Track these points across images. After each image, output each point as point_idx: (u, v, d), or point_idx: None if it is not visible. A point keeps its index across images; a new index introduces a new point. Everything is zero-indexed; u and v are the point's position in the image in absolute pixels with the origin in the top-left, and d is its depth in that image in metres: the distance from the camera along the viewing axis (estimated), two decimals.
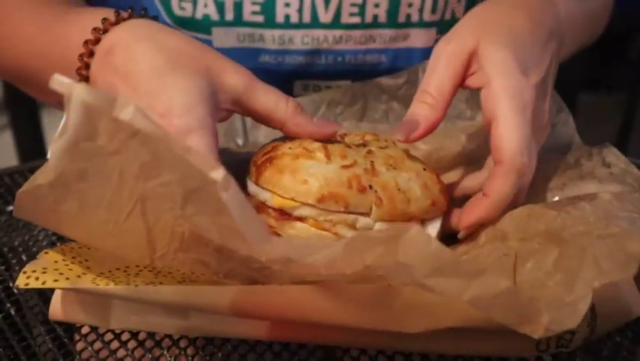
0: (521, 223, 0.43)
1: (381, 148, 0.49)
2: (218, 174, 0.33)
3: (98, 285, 0.40)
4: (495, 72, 0.45)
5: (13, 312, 0.46)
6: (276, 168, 0.46)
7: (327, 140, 0.48)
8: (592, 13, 0.67)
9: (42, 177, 0.37)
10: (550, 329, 0.33)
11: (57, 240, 0.53)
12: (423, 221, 0.47)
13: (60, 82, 0.33)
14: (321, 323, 0.39)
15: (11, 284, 0.47)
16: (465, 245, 0.46)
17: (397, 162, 0.47)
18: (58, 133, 0.36)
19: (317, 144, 0.47)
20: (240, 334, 0.42)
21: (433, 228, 0.47)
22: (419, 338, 0.40)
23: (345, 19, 0.64)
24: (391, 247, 0.33)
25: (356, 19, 0.64)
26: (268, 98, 0.46)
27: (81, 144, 0.35)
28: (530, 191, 0.50)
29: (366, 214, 0.45)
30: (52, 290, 0.44)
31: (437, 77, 0.47)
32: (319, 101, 0.64)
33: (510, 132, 0.44)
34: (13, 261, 0.50)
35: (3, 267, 0.50)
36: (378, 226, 0.45)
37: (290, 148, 0.47)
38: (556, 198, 0.49)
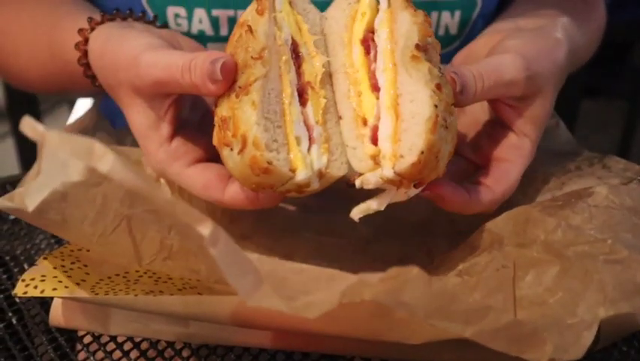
0: (518, 228, 0.43)
1: None
2: (206, 228, 0.31)
3: (97, 294, 0.40)
4: (530, 124, 0.47)
5: (14, 321, 0.46)
6: None
7: None
8: (589, 42, 0.67)
9: (19, 200, 0.37)
10: (555, 358, 0.33)
11: (56, 244, 0.53)
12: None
13: (31, 128, 0.33)
14: (323, 333, 0.39)
15: (13, 293, 0.47)
16: (461, 251, 0.45)
17: None
18: (32, 173, 0.36)
19: None
20: (243, 342, 0.42)
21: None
22: (421, 348, 0.40)
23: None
24: (393, 286, 0.32)
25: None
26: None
27: (54, 188, 0.35)
28: (529, 192, 0.50)
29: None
30: (52, 297, 0.44)
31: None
32: None
33: (512, 178, 0.46)
34: (15, 269, 0.50)
35: (5, 276, 0.50)
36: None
37: None
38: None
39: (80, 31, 0.50)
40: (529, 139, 0.47)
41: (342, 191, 0.56)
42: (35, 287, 0.40)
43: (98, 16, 0.50)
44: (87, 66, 0.50)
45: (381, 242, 0.53)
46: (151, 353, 0.43)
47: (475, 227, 0.47)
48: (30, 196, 0.35)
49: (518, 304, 0.39)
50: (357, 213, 0.42)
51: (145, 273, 0.43)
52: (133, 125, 0.46)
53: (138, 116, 0.45)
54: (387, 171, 0.40)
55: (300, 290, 0.34)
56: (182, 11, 0.57)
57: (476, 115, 0.51)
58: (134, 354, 0.43)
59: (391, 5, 0.44)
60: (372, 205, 0.42)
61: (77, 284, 0.41)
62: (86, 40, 0.49)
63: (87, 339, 0.44)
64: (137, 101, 0.44)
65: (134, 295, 0.40)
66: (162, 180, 0.54)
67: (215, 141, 0.42)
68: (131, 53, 0.44)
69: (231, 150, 0.40)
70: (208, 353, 0.43)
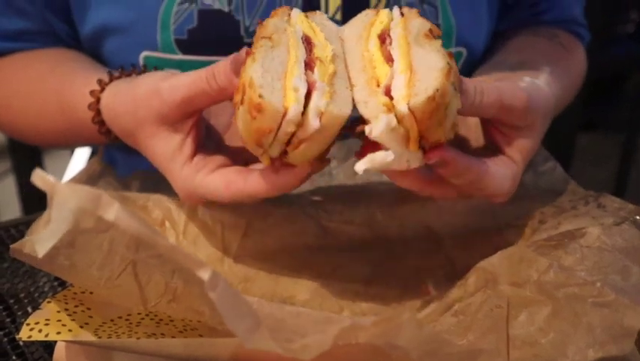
0: (513, 267, 0.44)
1: None
2: (205, 273, 0.33)
3: (100, 337, 0.41)
4: (519, 153, 0.49)
5: None
6: None
7: None
8: (571, 88, 0.70)
9: (29, 248, 0.38)
10: None
11: (59, 285, 0.54)
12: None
13: (42, 179, 0.34)
14: None
15: (16, 335, 0.48)
16: (457, 290, 0.46)
17: None
18: (43, 221, 0.38)
19: None
20: None
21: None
22: None
23: None
24: (385, 329, 0.33)
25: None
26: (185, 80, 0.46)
27: (65, 233, 0.36)
28: (526, 233, 0.51)
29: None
30: (56, 341, 0.44)
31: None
32: None
33: (501, 185, 0.48)
34: (19, 313, 0.51)
35: (8, 319, 0.50)
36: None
37: None
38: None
39: (92, 92, 0.53)
40: (517, 165, 0.49)
41: (344, 232, 0.58)
42: (40, 331, 0.41)
43: (105, 77, 0.54)
44: (101, 123, 0.54)
45: (380, 283, 0.54)
46: None
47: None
48: (40, 243, 0.36)
49: (511, 343, 0.40)
50: (361, 165, 0.42)
51: (147, 315, 0.44)
52: (157, 154, 0.48)
53: (162, 143, 0.47)
54: (401, 105, 0.40)
55: (296, 333, 0.35)
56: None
57: (472, 125, 0.53)
58: None
59: (404, 15, 0.46)
60: (376, 158, 0.41)
61: (81, 327, 0.41)
62: (98, 100, 0.53)
63: None
64: (161, 130, 0.47)
65: (136, 338, 0.40)
66: (167, 224, 0.56)
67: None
68: (148, 87, 0.47)
69: (239, 109, 0.41)
70: None
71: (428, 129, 0.41)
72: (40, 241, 0.36)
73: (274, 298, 0.52)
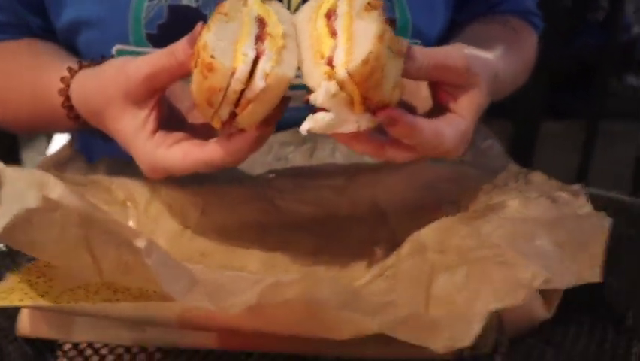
0: (440, 236, 0.48)
1: None
2: (142, 242, 0.38)
3: (58, 303, 0.44)
4: (467, 108, 0.52)
5: None
6: None
7: None
8: (519, 65, 0.74)
9: None
10: (449, 344, 0.39)
11: None
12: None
13: None
14: (260, 333, 0.44)
15: None
16: (391, 259, 0.51)
17: None
18: None
19: None
20: (191, 344, 0.47)
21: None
22: (350, 345, 0.44)
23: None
24: (308, 285, 0.37)
25: (299, 80, 0.69)
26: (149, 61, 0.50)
27: (13, 215, 0.39)
28: (462, 207, 0.55)
29: None
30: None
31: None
32: (272, 142, 0.68)
33: (453, 140, 0.51)
34: None
35: None
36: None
37: None
38: None
39: (62, 79, 0.57)
40: (465, 120, 0.52)
41: (295, 210, 0.62)
42: (4, 299, 0.44)
43: (75, 65, 0.58)
44: (70, 108, 0.57)
45: (328, 253, 0.58)
46: (110, 358, 0.47)
47: None
48: None
49: (431, 302, 0.44)
50: (305, 126, 0.46)
51: (103, 285, 0.47)
52: (123, 132, 0.52)
53: (127, 120, 0.51)
54: (340, 71, 0.44)
55: (231, 293, 0.39)
56: None
57: (419, 100, 0.56)
58: (95, 358, 0.47)
59: None
60: (323, 119, 0.45)
61: (41, 296, 0.45)
62: (68, 86, 0.57)
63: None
64: (127, 108, 0.51)
65: (92, 303, 0.44)
66: (129, 204, 0.59)
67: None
68: (115, 68, 0.51)
69: (193, 73, 0.45)
70: (161, 356, 0.47)
71: (368, 91, 0.44)
72: None
73: (228, 269, 0.56)
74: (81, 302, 0.44)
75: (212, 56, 0.43)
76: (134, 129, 0.51)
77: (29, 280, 0.47)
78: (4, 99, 0.69)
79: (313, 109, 0.47)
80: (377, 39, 0.43)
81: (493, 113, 0.68)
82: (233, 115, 0.47)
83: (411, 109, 0.55)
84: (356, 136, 0.48)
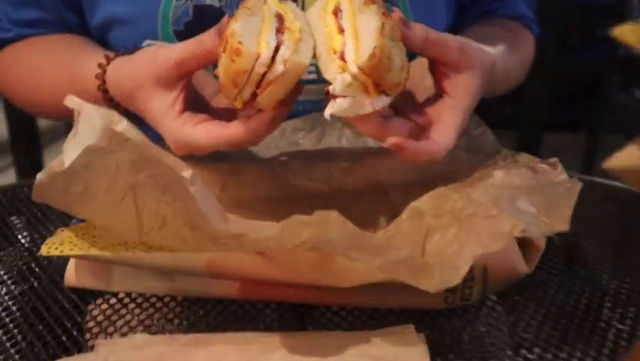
0: (435, 203, 0.55)
1: None
2: (187, 172, 0.45)
3: (103, 254, 0.51)
4: (463, 92, 0.58)
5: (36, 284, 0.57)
6: None
7: None
8: (517, 66, 0.81)
9: (57, 165, 0.49)
10: (441, 285, 0.45)
11: None
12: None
13: (73, 101, 0.46)
14: (277, 281, 0.51)
15: (39, 253, 0.56)
16: (392, 224, 0.57)
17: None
18: (71, 135, 0.48)
19: None
20: (215, 294, 0.54)
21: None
22: (353, 294, 0.51)
23: (304, 75, 0.76)
24: (320, 227, 0.44)
25: (313, 76, 0.76)
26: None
27: (87, 145, 0.47)
28: (455, 181, 0.61)
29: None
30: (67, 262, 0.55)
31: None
32: (285, 127, 0.76)
33: (450, 133, 0.57)
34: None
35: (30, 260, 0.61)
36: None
37: None
38: None
39: (100, 65, 0.63)
40: (462, 103, 0.57)
41: (306, 187, 0.69)
42: (56, 249, 0.52)
43: (112, 54, 0.64)
44: (105, 91, 0.63)
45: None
46: (145, 305, 0.54)
47: None
48: (68, 154, 0.47)
49: (427, 255, 0.50)
50: (327, 111, 0.52)
51: (140, 243, 0.54)
52: (153, 112, 0.57)
53: (157, 100, 0.56)
54: (352, 67, 0.51)
55: (256, 228, 0.46)
56: None
57: (422, 89, 0.62)
58: (132, 305, 0.54)
59: None
60: (343, 104, 0.52)
61: (88, 248, 0.52)
62: (105, 72, 0.63)
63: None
64: (157, 90, 0.56)
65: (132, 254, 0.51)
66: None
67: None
68: (147, 55, 0.57)
69: (221, 57, 0.52)
70: (189, 304, 0.54)
71: (379, 77, 0.51)
72: (68, 151, 0.47)
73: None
74: (122, 252, 0.51)
75: (239, 42, 0.50)
76: (163, 109, 0.57)
77: (77, 236, 0.54)
78: (44, 84, 0.76)
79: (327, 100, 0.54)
80: (378, 33, 0.50)
81: (497, 125, 0.75)
82: (254, 96, 0.54)
83: (414, 98, 0.62)
84: (364, 119, 0.54)
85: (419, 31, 0.55)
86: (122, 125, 0.45)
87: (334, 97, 0.53)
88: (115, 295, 0.55)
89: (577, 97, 2.45)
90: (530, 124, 1.88)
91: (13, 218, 0.68)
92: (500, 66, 0.67)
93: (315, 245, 0.44)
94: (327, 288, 0.51)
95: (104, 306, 0.54)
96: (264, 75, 0.52)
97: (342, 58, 0.53)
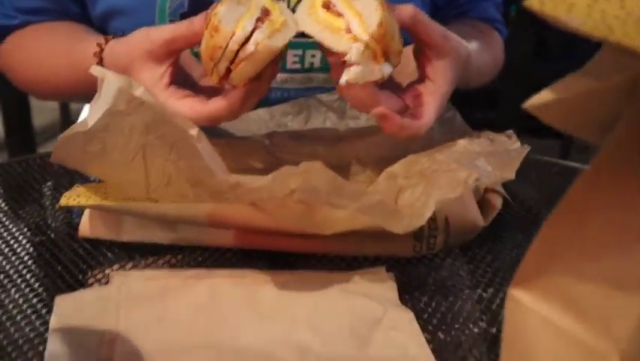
0: (407, 167, 0.63)
1: None
2: (194, 131, 0.52)
3: (116, 204, 0.59)
4: (442, 78, 0.65)
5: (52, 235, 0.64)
6: None
7: None
8: (487, 59, 0.89)
9: (79, 127, 0.56)
10: (408, 227, 0.53)
11: None
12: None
13: (98, 70, 0.54)
14: (269, 230, 0.58)
15: (58, 205, 0.62)
16: (371, 185, 0.65)
17: None
18: (94, 100, 0.56)
19: None
20: (213, 242, 0.61)
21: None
22: (335, 242, 0.59)
23: (289, 65, 0.84)
24: (306, 176, 0.52)
25: (297, 66, 0.84)
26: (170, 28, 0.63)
27: (108, 108, 0.54)
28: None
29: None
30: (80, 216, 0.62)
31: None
32: (274, 110, 0.84)
33: (431, 113, 0.65)
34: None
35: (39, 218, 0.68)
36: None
37: None
38: None
39: (98, 44, 0.71)
40: (442, 88, 0.65)
41: (292, 161, 0.76)
42: (74, 200, 0.59)
43: (109, 36, 0.72)
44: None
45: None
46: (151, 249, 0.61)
47: None
48: (91, 115, 0.54)
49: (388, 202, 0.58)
50: (343, 78, 0.59)
51: (147, 199, 0.62)
52: (143, 82, 0.64)
53: (148, 73, 0.64)
54: (364, 36, 0.58)
55: (251, 181, 0.53)
56: None
57: (405, 74, 0.70)
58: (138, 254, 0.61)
59: None
60: (356, 70, 0.59)
61: (101, 200, 0.59)
62: (102, 50, 0.70)
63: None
64: (148, 64, 0.64)
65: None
66: None
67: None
68: (141, 34, 0.65)
69: (204, 34, 0.60)
70: (189, 251, 0.61)
71: (387, 44, 0.60)
72: (91, 113, 0.54)
73: None
74: (132, 203, 0.58)
75: (219, 21, 0.59)
76: (152, 81, 0.65)
77: (91, 190, 0.61)
78: (42, 68, 0.83)
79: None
80: (381, 7, 0.59)
81: (474, 128, 0.82)
82: (228, 71, 0.61)
83: (399, 82, 0.70)
84: (363, 86, 0.61)
85: (410, 8, 0.63)
86: (140, 90, 0.52)
87: (349, 65, 0.60)
88: (124, 244, 0.62)
89: None
90: (505, 130, 1.97)
91: (34, 184, 0.75)
92: (475, 60, 0.75)
93: (302, 193, 0.52)
94: (313, 236, 0.58)
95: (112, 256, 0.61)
96: (237, 54, 0.60)
97: (349, 33, 0.60)
